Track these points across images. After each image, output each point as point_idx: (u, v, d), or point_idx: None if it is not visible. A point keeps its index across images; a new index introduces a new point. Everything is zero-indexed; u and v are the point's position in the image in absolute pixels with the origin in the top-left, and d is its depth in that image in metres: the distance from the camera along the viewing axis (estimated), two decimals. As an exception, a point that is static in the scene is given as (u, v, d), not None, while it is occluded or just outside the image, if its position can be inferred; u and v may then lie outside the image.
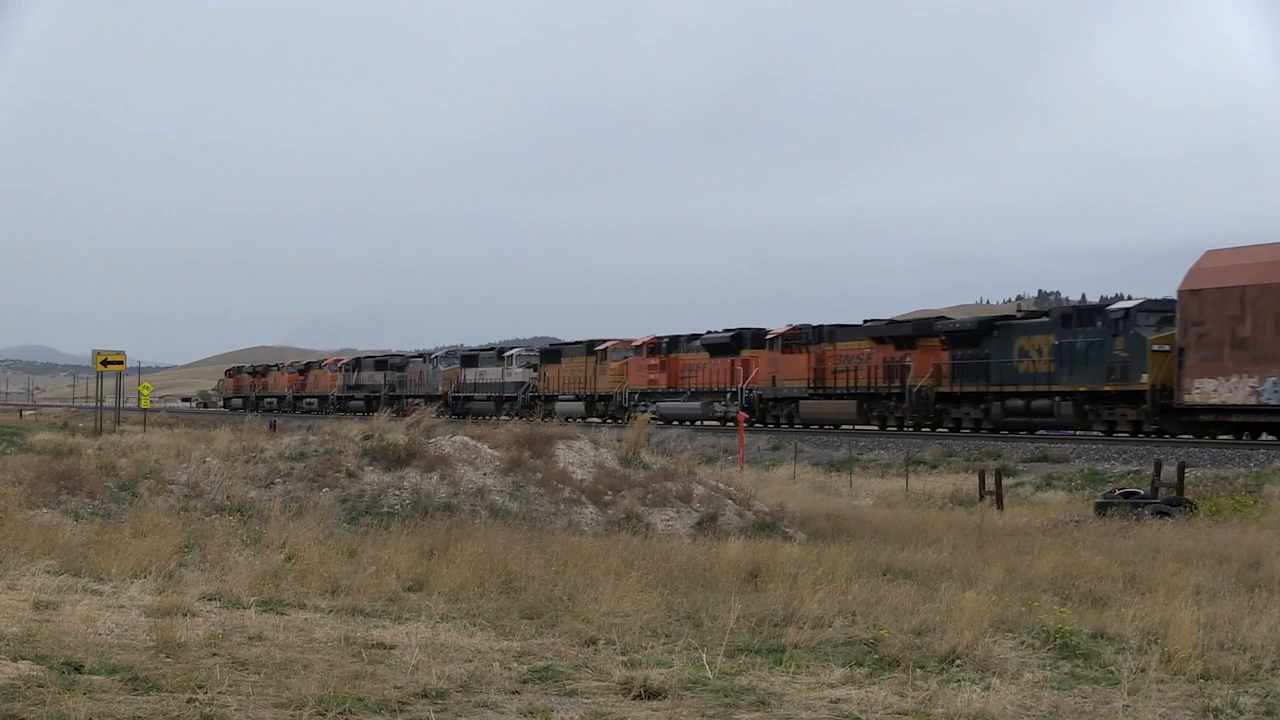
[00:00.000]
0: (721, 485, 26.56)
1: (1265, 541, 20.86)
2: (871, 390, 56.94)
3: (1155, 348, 44.14)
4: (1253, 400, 40.90)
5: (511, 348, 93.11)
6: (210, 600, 13.90)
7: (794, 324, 63.91)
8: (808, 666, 11.37)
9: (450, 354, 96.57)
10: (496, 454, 25.94)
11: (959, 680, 10.91)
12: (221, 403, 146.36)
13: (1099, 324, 46.82)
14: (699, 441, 49.76)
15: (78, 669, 10.25)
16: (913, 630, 12.76)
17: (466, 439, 26.63)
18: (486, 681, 10.52)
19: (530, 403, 79.28)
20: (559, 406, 76.85)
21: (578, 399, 77.82)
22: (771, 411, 62.91)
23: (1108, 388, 45.91)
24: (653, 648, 11.96)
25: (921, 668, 11.29)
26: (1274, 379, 40.10)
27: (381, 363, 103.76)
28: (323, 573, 15.66)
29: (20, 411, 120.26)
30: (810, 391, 60.07)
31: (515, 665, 11.20)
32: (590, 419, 71.63)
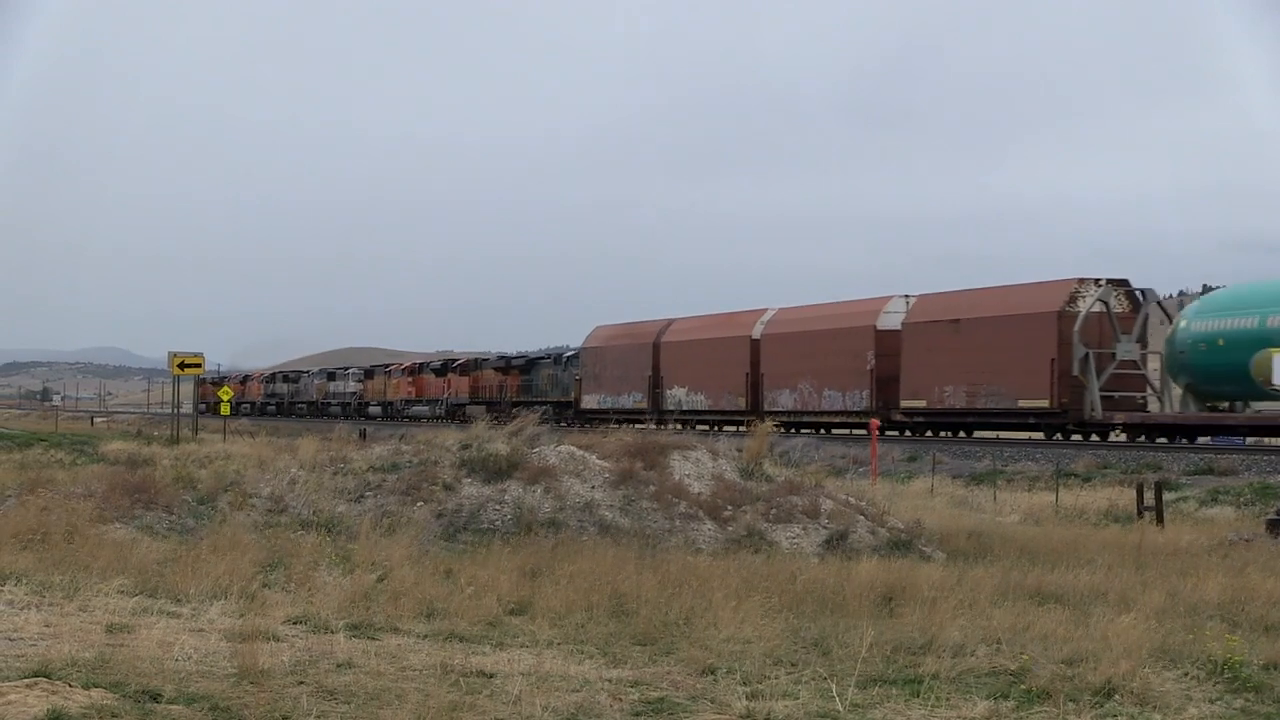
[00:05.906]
0: (852, 500, 26.45)
1: None
2: (493, 401, 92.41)
3: (577, 377, 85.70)
4: (597, 405, 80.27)
5: (349, 366, 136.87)
6: (296, 624, 14.04)
7: (471, 356, 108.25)
8: (948, 699, 11.32)
9: (322, 371, 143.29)
10: (606, 465, 26.00)
11: (1115, 715, 10.83)
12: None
13: (563, 363, 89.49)
14: (826, 451, 49.80)
15: (154, 698, 10.38)
16: (1064, 659, 12.65)
17: (573, 449, 26.71)
18: (595, 714, 10.57)
19: (358, 407, 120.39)
20: (370, 410, 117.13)
21: (378, 405, 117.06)
22: (457, 416, 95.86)
23: (563, 400, 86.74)
24: (777, 677, 11.95)
25: (1074, 701, 11.20)
26: (604, 395, 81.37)
27: (286, 376, 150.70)
28: (417, 594, 15.79)
29: (91, 419, 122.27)
30: (469, 401, 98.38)
31: (627, 696, 11.24)
32: (384, 418, 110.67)
